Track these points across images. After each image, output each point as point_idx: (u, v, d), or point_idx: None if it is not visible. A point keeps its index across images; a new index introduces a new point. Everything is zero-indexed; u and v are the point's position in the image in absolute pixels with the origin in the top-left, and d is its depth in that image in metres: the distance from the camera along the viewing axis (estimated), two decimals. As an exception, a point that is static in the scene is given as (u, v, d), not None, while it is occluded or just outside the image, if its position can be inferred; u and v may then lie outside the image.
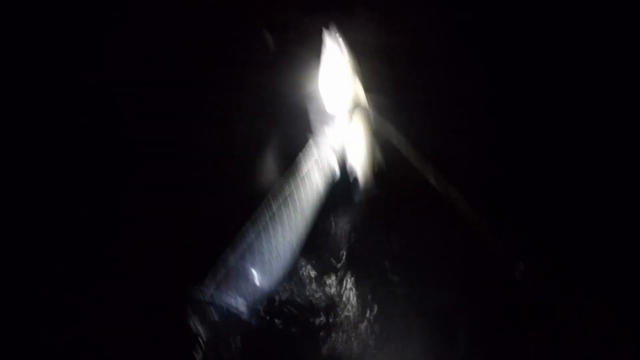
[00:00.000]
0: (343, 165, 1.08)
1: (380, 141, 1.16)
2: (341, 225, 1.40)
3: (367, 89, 1.11)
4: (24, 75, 1.57)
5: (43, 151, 1.50)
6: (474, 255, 1.31)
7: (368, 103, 1.10)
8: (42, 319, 1.29)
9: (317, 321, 1.21)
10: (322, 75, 1.06)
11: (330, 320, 1.21)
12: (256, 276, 0.85)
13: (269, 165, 1.45)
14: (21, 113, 1.53)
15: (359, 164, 1.14)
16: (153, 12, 1.71)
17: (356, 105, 1.07)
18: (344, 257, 1.31)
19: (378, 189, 1.19)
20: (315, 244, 1.31)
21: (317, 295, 1.24)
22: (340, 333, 1.20)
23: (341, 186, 1.16)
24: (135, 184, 1.52)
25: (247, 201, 1.55)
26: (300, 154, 1.00)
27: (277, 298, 1.11)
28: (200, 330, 0.86)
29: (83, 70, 1.62)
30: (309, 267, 1.30)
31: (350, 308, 1.25)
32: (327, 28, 1.05)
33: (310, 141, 1.02)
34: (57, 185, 1.47)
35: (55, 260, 1.37)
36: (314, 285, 1.26)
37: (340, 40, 1.04)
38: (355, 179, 1.16)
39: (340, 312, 1.24)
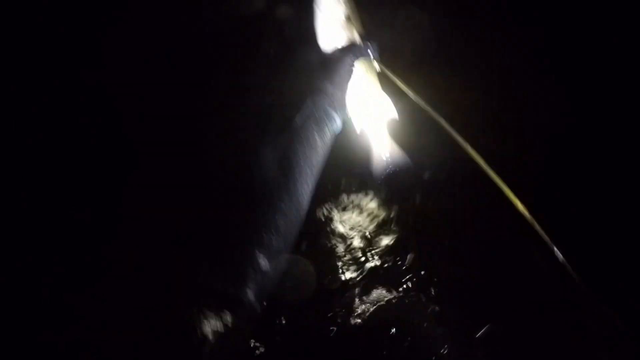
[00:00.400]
0: (347, 118, 0.96)
1: (389, 90, 1.04)
2: (350, 200, 1.33)
3: (368, 35, 1.03)
4: (24, 75, 1.57)
5: (43, 151, 1.50)
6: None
7: (370, 49, 0.99)
8: (42, 319, 1.29)
9: (323, 309, 1.17)
10: (320, 25, 0.96)
11: (337, 310, 1.16)
12: (262, 260, 0.75)
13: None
14: (21, 113, 1.53)
15: (367, 115, 1.02)
16: (153, 12, 1.71)
17: (358, 51, 0.95)
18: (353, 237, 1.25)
19: (397, 146, 1.07)
20: (319, 221, 1.24)
21: (323, 282, 1.18)
22: (348, 324, 1.15)
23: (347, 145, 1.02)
24: (135, 184, 1.52)
25: (247, 201, 1.56)
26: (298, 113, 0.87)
27: (283, 284, 1.05)
28: (205, 325, 0.77)
29: (83, 70, 1.62)
30: (316, 250, 1.23)
31: (358, 300, 1.20)
32: None
33: (309, 96, 0.88)
34: (57, 185, 1.47)
35: (55, 260, 1.36)
36: (318, 271, 1.21)
37: None
38: (362, 132, 1.04)
39: (347, 304, 1.19)
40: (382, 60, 1.03)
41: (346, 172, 1.34)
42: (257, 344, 1.05)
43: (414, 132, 1.14)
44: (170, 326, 1.31)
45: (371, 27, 1.04)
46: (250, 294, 0.72)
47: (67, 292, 1.35)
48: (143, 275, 1.43)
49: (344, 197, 1.35)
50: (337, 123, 0.92)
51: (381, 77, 1.04)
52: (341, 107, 0.92)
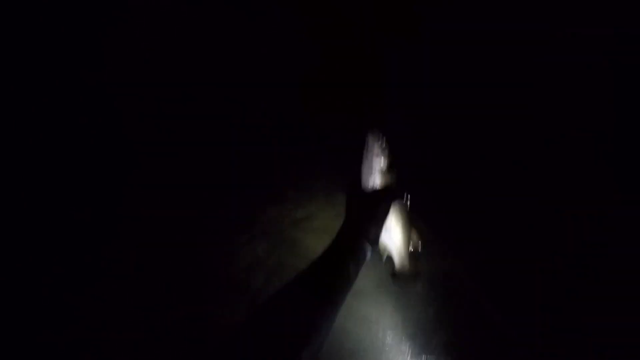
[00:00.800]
0: (377, 248, 1.10)
1: (416, 227, 1.21)
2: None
3: (404, 183, 1.18)
4: (24, 75, 1.57)
5: (43, 151, 1.51)
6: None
7: (404, 196, 1.17)
8: (42, 319, 1.29)
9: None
10: (363, 173, 1.14)
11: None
12: None
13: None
14: (21, 113, 1.54)
15: (395, 247, 1.19)
16: (153, 12, 1.71)
17: (394, 196, 1.13)
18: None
19: (415, 270, 1.23)
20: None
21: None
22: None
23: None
24: (135, 184, 1.52)
25: (247, 202, 1.56)
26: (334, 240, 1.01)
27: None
28: None
29: (83, 70, 1.62)
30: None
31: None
32: (372, 131, 1.13)
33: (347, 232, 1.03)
34: (57, 185, 1.47)
35: (55, 260, 1.37)
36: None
37: (383, 142, 1.13)
38: (389, 258, 1.20)
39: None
40: (412, 205, 1.19)
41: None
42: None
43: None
44: (170, 326, 1.31)
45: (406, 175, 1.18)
46: None
47: (67, 292, 1.36)
48: (143, 275, 1.44)
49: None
50: (369, 255, 1.03)
51: (410, 219, 1.20)
52: (374, 242, 1.04)
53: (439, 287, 1.47)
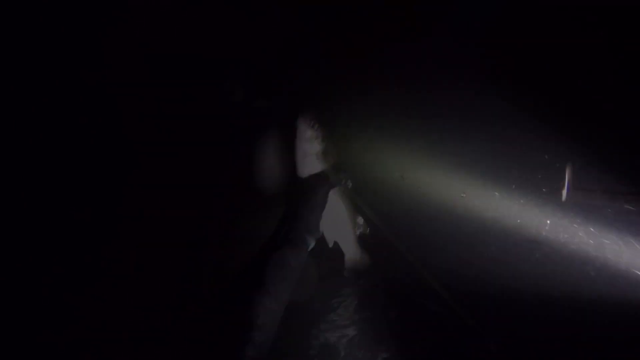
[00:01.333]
0: (318, 236, 1.09)
1: (359, 209, 1.21)
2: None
3: (343, 165, 1.17)
4: (24, 75, 1.57)
5: (43, 151, 1.50)
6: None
7: (344, 179, 1.16)
8: (42, 319, 1.29)
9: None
10: (300, 156, 1.12)
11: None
12: None
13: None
14: (21, 113, 1.54)
15: (340, 233, 1.17)
16: (153, 12, 1.71)
17: (333, 181, 1.11)
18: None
19: (363, 257, 1.23)
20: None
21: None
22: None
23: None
24: (135, 184, 1.52)
25: (246, 202, 1.56)
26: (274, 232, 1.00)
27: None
28: None
29: (83, 70, 1.62)
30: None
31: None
32: (303, 114, 1.11)
33: (286, 222, 1.02)
34: (57, 185, 1.47)
35: (55, 260, 1.37)
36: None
37: (315, 126, 1.11)
38: (336, 244, 1.18)
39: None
40: (354, 186, 1.18)
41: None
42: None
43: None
44: (170, 326, 1.31)
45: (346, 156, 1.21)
46: None
47: (67, 292, 1.36)
48: (143, 275, 1.44)
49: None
50: (311, 244, 1.01)
51: (355, 203, 1.20)
52: (315, 229, 1.02)
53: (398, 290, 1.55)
